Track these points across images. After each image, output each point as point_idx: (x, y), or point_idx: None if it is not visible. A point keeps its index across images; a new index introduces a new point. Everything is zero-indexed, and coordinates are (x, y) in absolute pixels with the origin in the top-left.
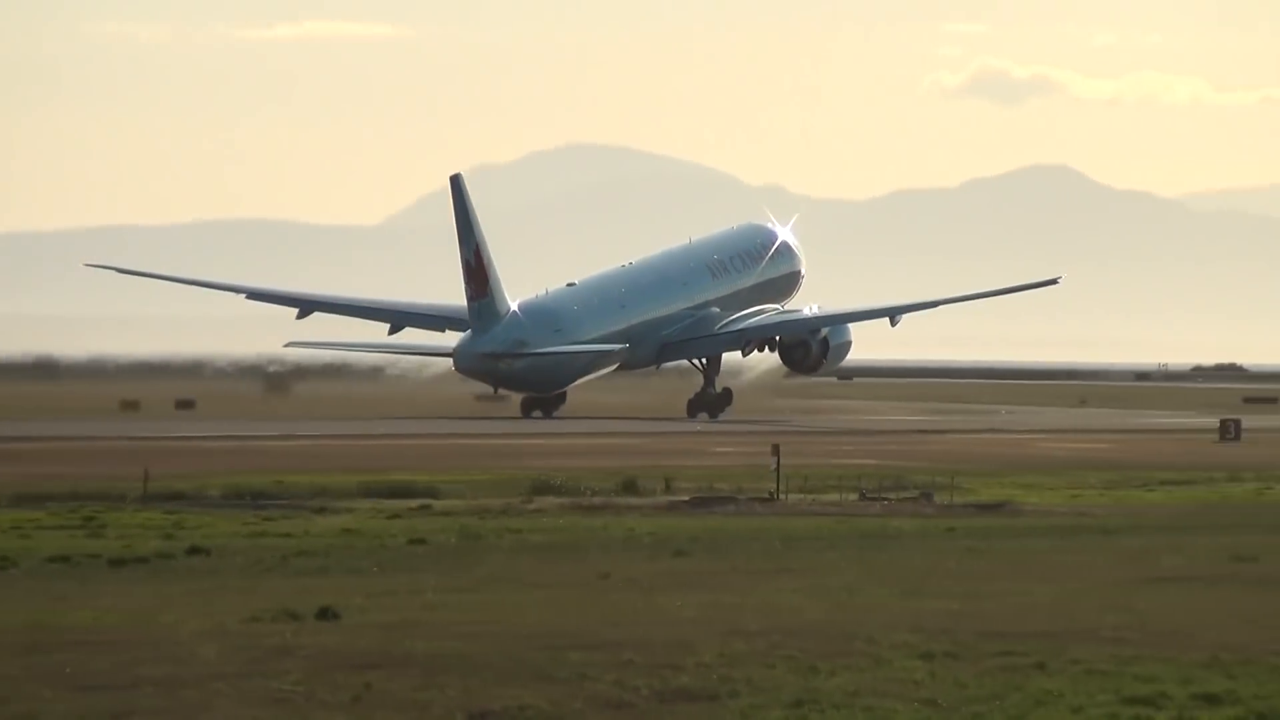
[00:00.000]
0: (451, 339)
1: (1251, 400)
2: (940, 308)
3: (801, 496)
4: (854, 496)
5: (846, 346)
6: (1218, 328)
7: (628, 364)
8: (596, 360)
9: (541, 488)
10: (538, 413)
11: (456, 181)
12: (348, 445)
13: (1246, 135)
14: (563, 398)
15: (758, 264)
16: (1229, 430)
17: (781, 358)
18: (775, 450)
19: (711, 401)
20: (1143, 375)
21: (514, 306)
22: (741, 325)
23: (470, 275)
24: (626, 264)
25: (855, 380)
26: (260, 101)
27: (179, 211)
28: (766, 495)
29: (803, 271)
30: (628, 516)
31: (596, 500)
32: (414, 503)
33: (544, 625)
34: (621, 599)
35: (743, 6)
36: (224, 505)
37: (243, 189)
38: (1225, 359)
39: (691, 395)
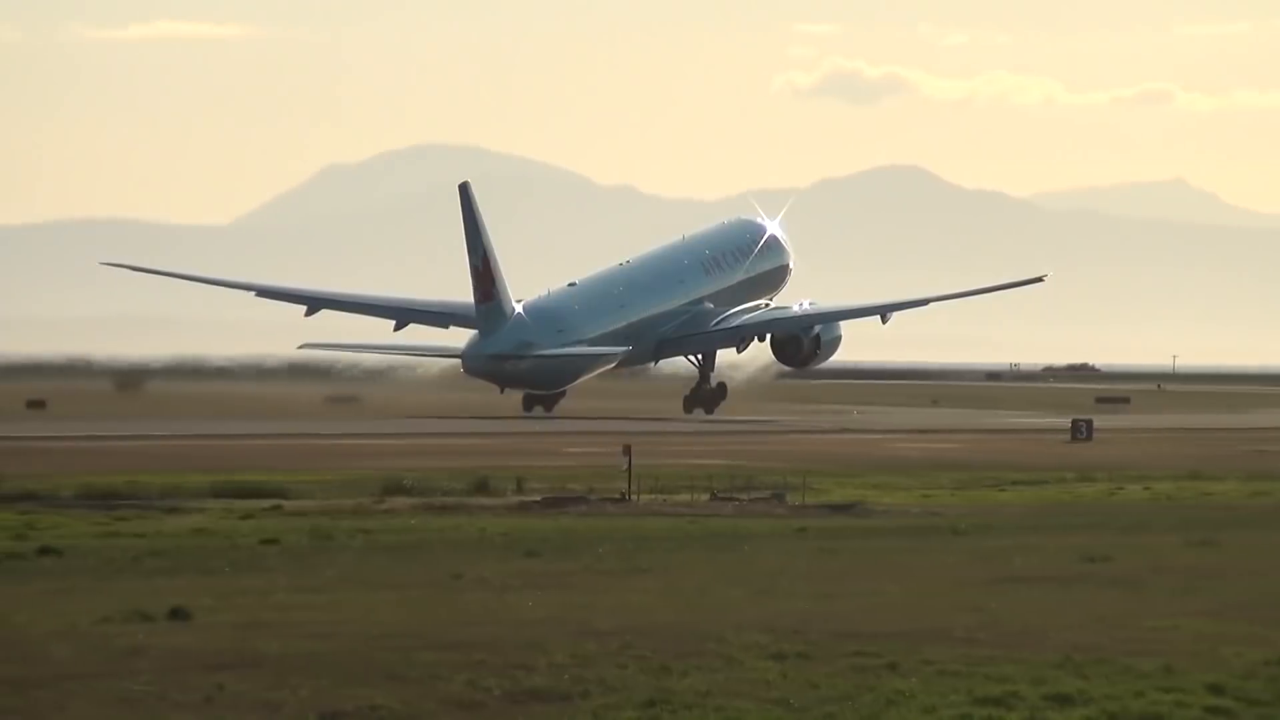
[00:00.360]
0: (456, 335)
1: (1103, 400)
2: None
3: (653, 497)
4: (706, 497)
5: (837, 342)
6: (1069, 327)
7: (625, 361)
8: (598, 360)
9: (393, 488)
10: (539, 408)
11: (465, 190)
12: (200, 445)
13: (1097, 135)
14: (562, 394)
15: (749, 259)
16: (1080, 430)
17: (774, 353)
18: (626, 450)
19: (707, 396)
20: (994, 375)
21: (519, 308)
22: (737, 322)
23: (478, 280)
24: (624, 262)
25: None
26: (113, 101)
27: (33, 211)
28: (618, 495)
29: (791, 265)
30: (479, 517)
31: (448, 500)
32: (266, 503)
33: (395, 625)
34: (473, 599)
35: (595, 6)
36: (76, 505)
37: (94, 189)
38: (1077, 359)
39: (687, 391)
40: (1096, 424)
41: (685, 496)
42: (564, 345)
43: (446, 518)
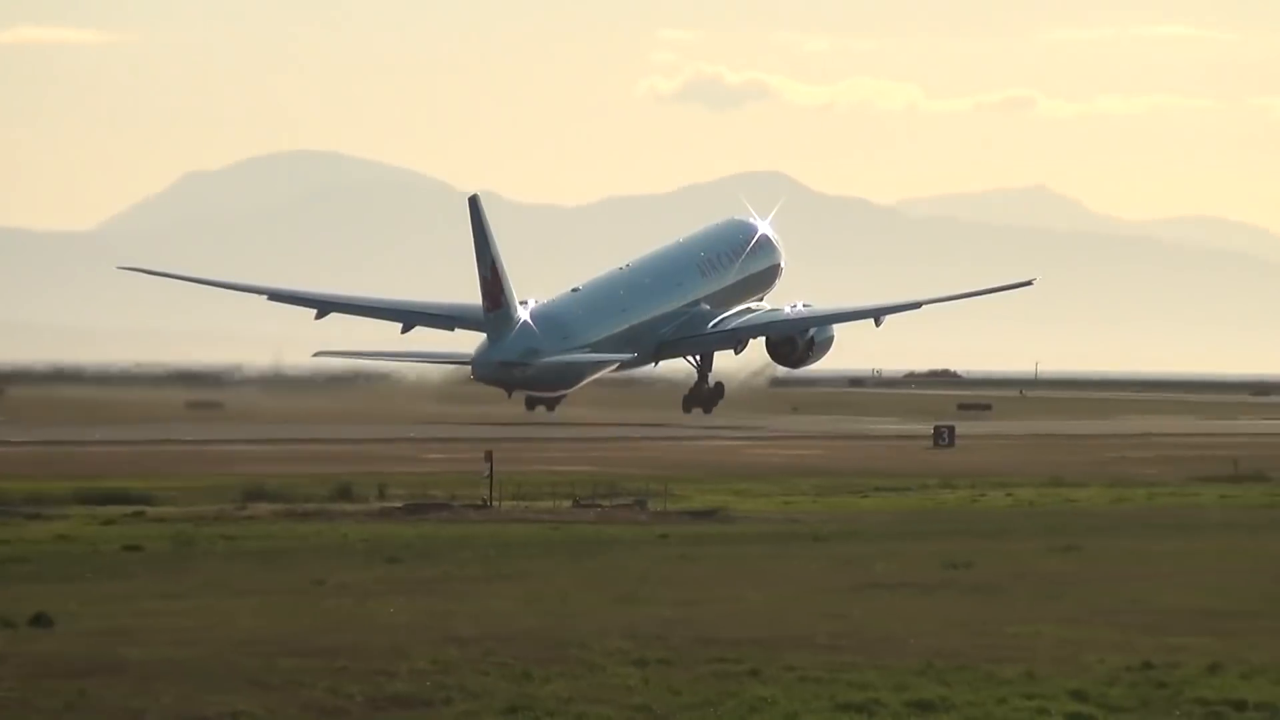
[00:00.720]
0: (461, 337)
1: (965, 407)
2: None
3: (515, 503)
4: (568, 503)
5: (829, 342)
6: (931, 333)
7: (626, 363)
8: (602, 365)
9: (255, 494)
10: (541, 408)
11: (474, 203)
12: (63, 452)
13: (960, 141)
14: (563, 395)
15: (742, 259)
16: (942, 437)
17: (770, 353)
18: (488, 457)
19: (706, 396)
20: (856, 381)
21: (525, 315)
22: (734, 325)
23: (486, 290)
24: (624, 266)
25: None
26: None
27: None
28: (480, 502)
29: (782, 264)
30: (341, 523)
31: (310, 506)
32: (128, 509)
33: (258, 631)
34: (335, 605)
35: (456, 11)
36: None
37: None
38: (938, 365)
39: (686, 391)
40: (959, 430)
41: (548, 503)
42: (569, 350)
43: (309, 524)
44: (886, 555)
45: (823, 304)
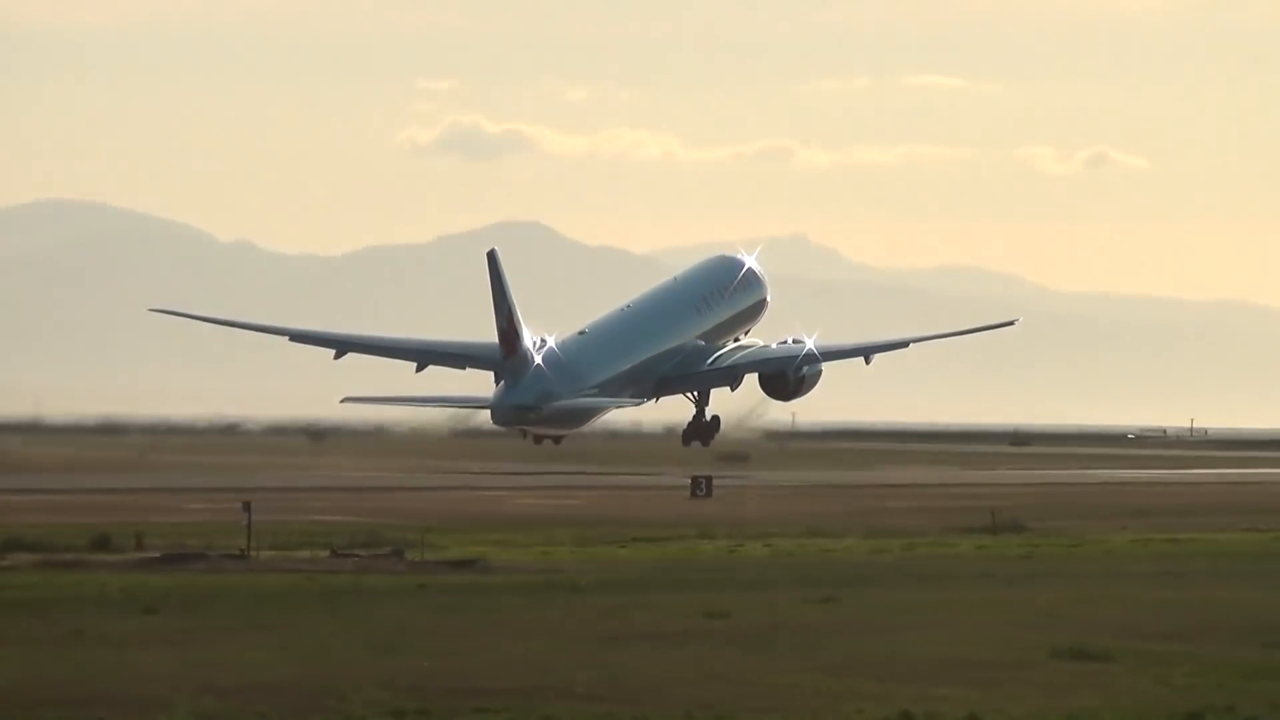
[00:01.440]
0: (473, 376)
1: (724, 457)
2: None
3: (273, 553)
4: (326, 553)
5: (818, 376)
6: None
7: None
8: (611, 406)
9: (13, 544)
10: (548, 440)
11: (492, 257)
12: None
13: (718, 191)
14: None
15: (732, 295)
16: (700, 487)
17: (762, 386)
18: (246, 507)
19: (704, 429)
20: (615, 435)
21: (538, 359)
22: (729, 362)
23: (504, 338)
24: (625, 307)
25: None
26: None
27: None
28: (238, 552)
29: (768, 298)
30: (99, 573)
31: (68, 556)
32: None
33: (15, 682)
34: (94, 656)
35: (216, 60)
36: None
37: None
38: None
39: (685, 425)
40: (716, 480)
41: (306, 553)
42: (579, 392)
43: (67, 574)
44: (645, 605)
45: (811, 341)
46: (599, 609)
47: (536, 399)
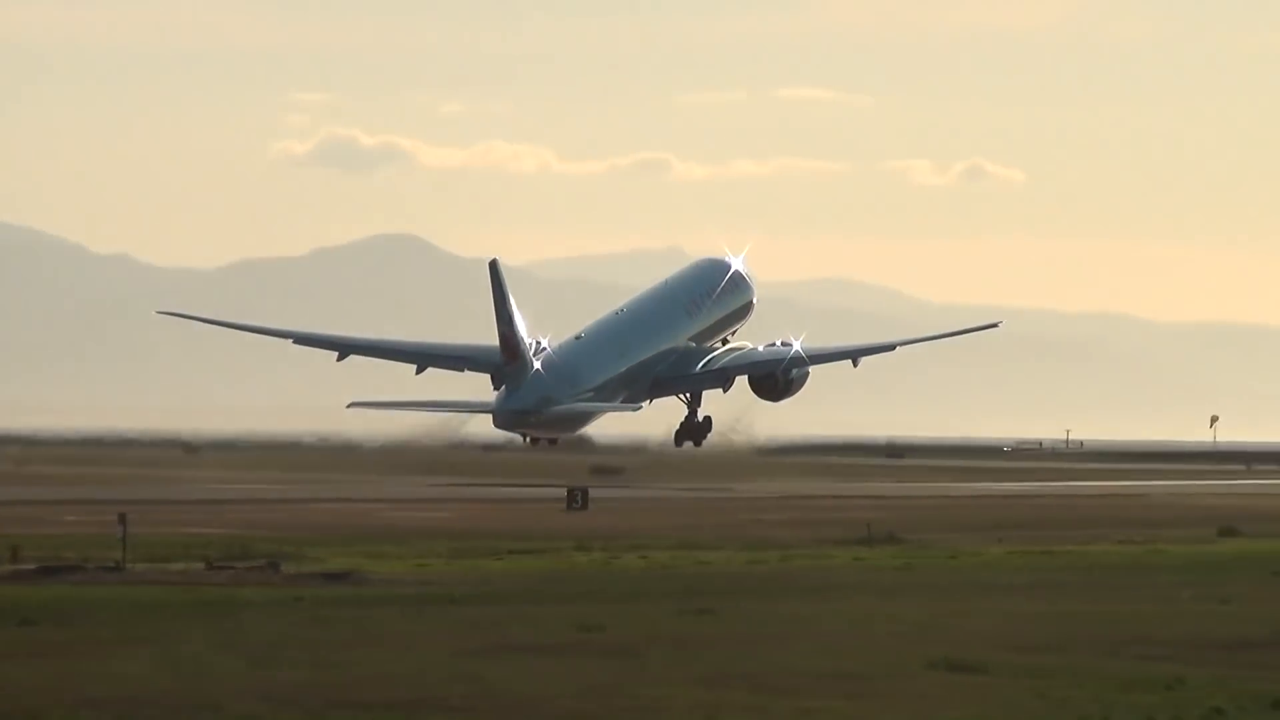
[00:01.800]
0: (471, 379)
1: (599, 470)
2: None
3: (149, 565)
4: (201, 565)
5: (805, 377)
6: None
7: (624, 400)
8: (607, 409)
9: None
10: (545, 442)
11: (494, 266)
12: None
13: (593, 204)
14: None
15: (721, 298)
16: (576, 499)
17: (753, 388)
18: (122, 519)
19: (696, 430)
20: (491, 447)
21: (537, 364)
22: (721, 364)
23: (505, 345)
24: (619, 311)
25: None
26: None
27: None
28: (113, 564)
29: (755, 300)
30: None
31: None
32: None
33: None
34: None
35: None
36: None
37: None
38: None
39: (677, 425)
40: (592, 493)
41: (181, 565)
42: (577, 396)
43: None
44: (520, 618)
45: (798, 344)
46: (474, 621)
47: (536, 404)
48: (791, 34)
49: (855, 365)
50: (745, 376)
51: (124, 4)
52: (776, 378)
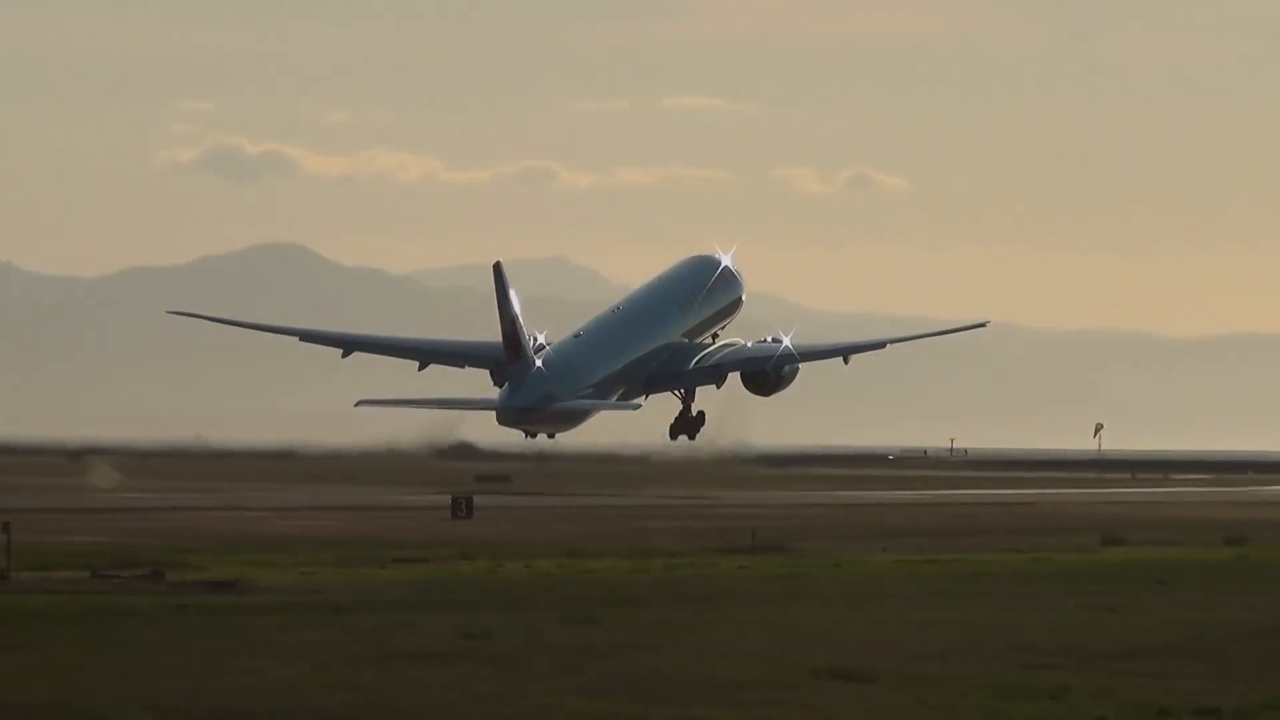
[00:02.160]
0: (473, 375)
1: (484, 479)
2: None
3: (33, 574)
4: (86, 574)
5: (795, 373)
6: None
7: (620, 396)
8: (605, 406)
9: None
10: (543, 435)
11: (498, 268)
12: None
13: (479, 212)
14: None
15: (711, 294)
16: (461, 508)
17: (745, 384)
18: (5, 527)
19: (690, 424)
20: (369, 454)
21: (539, 362)
22: (715, 360)
23: (509, 344)
24: (615, 308)
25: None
26: None
27: None
28: None
29: (744, 296)
30: None
31: None
32: None
33: None
34: None
35: None
36: None
37: None
38: (457, 437)
39: (673, 419)
40: (477, 501)
41: (66, 573)
42: (577, 393)
43: None
44: (405, 626)
45: (788, 340)
46: (359, 630)
47: (538, 401)
48: (676, 42)
49: (846, 362)
50: (738, 374)
51: (6, 9)
52: (768, 374)
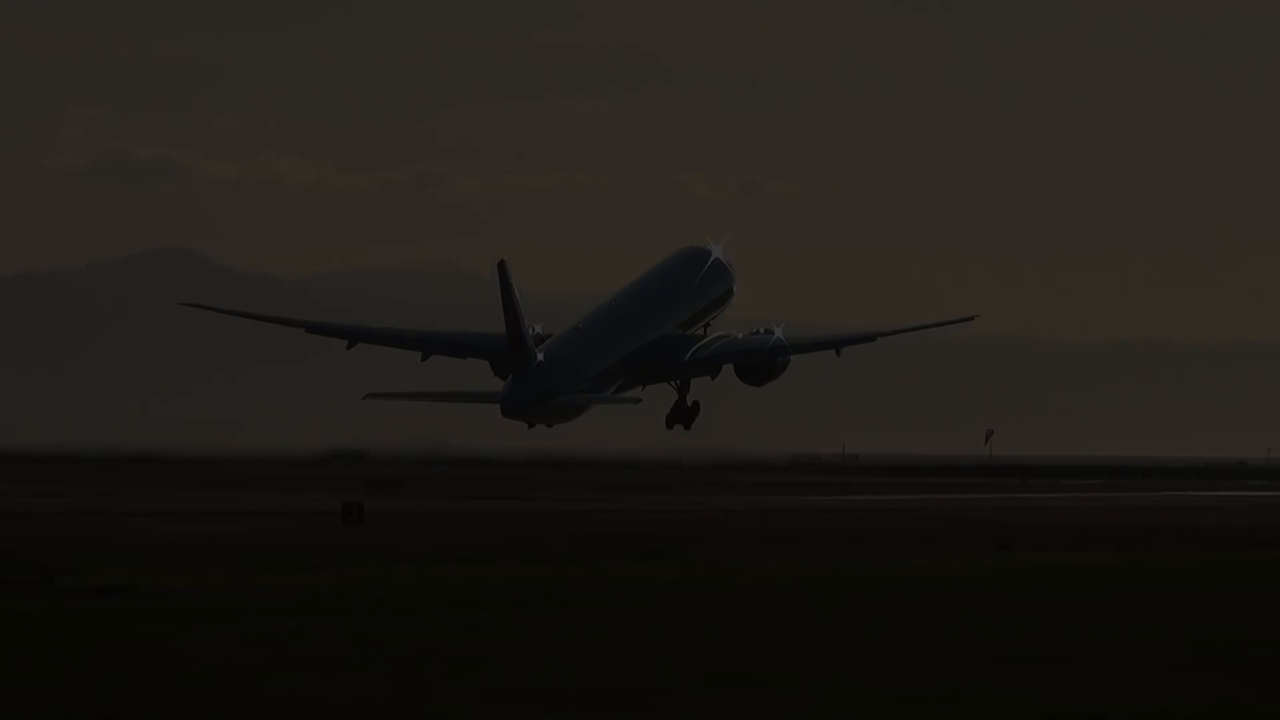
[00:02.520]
0: (474, 366)
1: (375, 484)
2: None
3: None
4: None
5: (787, 364)
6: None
7: (618, 387)
8: (605, 399)
9: None
10: (541, 426)
11: (502, 266)
12: None
13: (371, 218)
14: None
15: (703, 285)
16: (352, 513)
17: (738, 375)
18: None
19: (686, 414)
20: (263, 460)
21: (540, 356)
22: (710, 352)
23: (513, 339)
24: (612, 302)
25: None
26: None
27: None
28: None
29: (735, 287)
30: None
31: None
32: None
33: None
34: None
35: None
36: None
37: None
38: (349, 445)
39: (669, 410)
40: (368, 507)
41: None
42: (578, 385)
43: None
44: (297, 632)
45: (779, 330)
46: (251, 635)
47: (539, 395)
48: (565, 46)
49: (838, 354)
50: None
51: None
52: (760, 365)
